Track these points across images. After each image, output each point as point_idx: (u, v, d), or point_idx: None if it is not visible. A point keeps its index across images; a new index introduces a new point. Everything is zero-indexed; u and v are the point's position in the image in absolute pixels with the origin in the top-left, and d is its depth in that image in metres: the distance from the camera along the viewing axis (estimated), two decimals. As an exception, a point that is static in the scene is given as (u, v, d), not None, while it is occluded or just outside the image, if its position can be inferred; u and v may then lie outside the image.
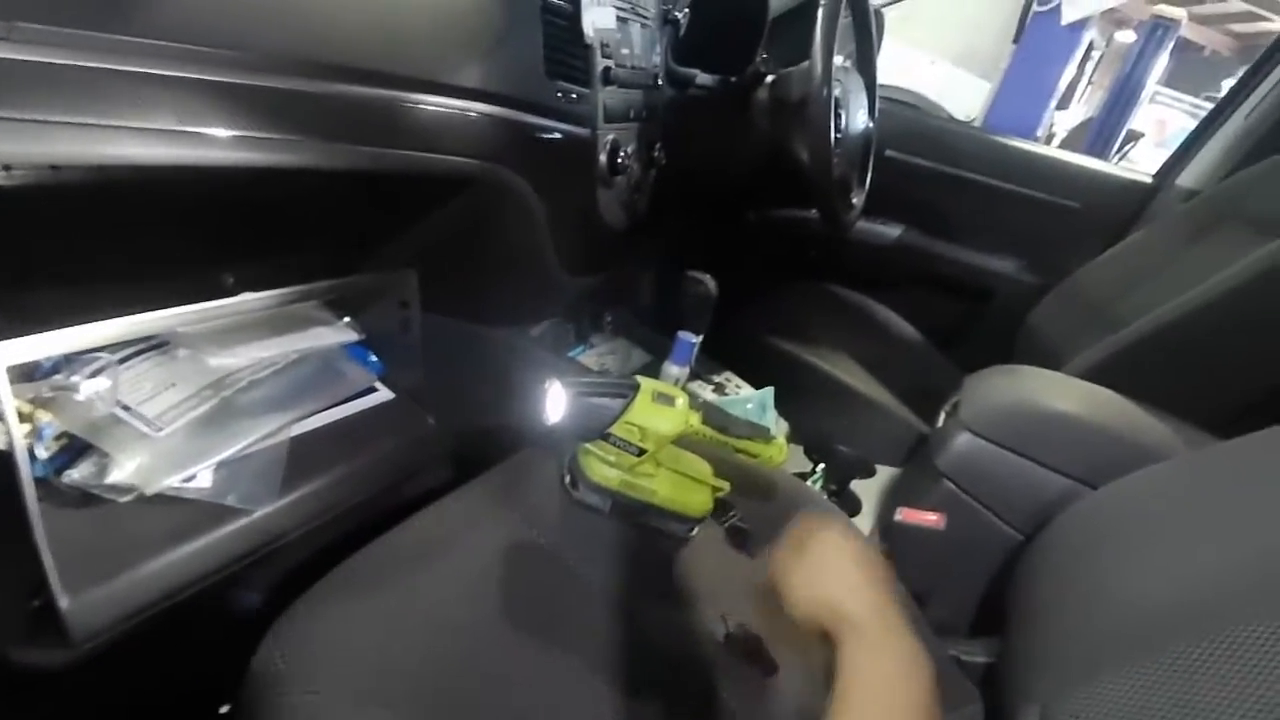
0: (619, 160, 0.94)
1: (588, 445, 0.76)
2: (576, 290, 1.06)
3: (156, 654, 0.65)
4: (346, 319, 0.93)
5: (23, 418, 0.64)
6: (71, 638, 0.57)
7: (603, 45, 0.91)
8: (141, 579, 0.62)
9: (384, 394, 0.93)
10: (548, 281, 0.99)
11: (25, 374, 0.68)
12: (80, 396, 0.69)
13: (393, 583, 0.65)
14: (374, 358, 0.94)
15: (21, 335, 0.56)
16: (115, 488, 0.67)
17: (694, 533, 0.79)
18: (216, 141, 0.51)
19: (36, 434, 0.65)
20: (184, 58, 0.48)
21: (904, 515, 0.96)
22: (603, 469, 0.76)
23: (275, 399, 0.82)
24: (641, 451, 0.73)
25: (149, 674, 0.65)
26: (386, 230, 0.93)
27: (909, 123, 1.85)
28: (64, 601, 0.57)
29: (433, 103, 0.70)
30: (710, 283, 0.99)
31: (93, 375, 0.70)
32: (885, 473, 1.31)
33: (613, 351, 1.35)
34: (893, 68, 3.01)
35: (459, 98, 0.72)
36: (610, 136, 0.94)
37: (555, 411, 0.70)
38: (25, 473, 0.56)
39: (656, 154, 1.04)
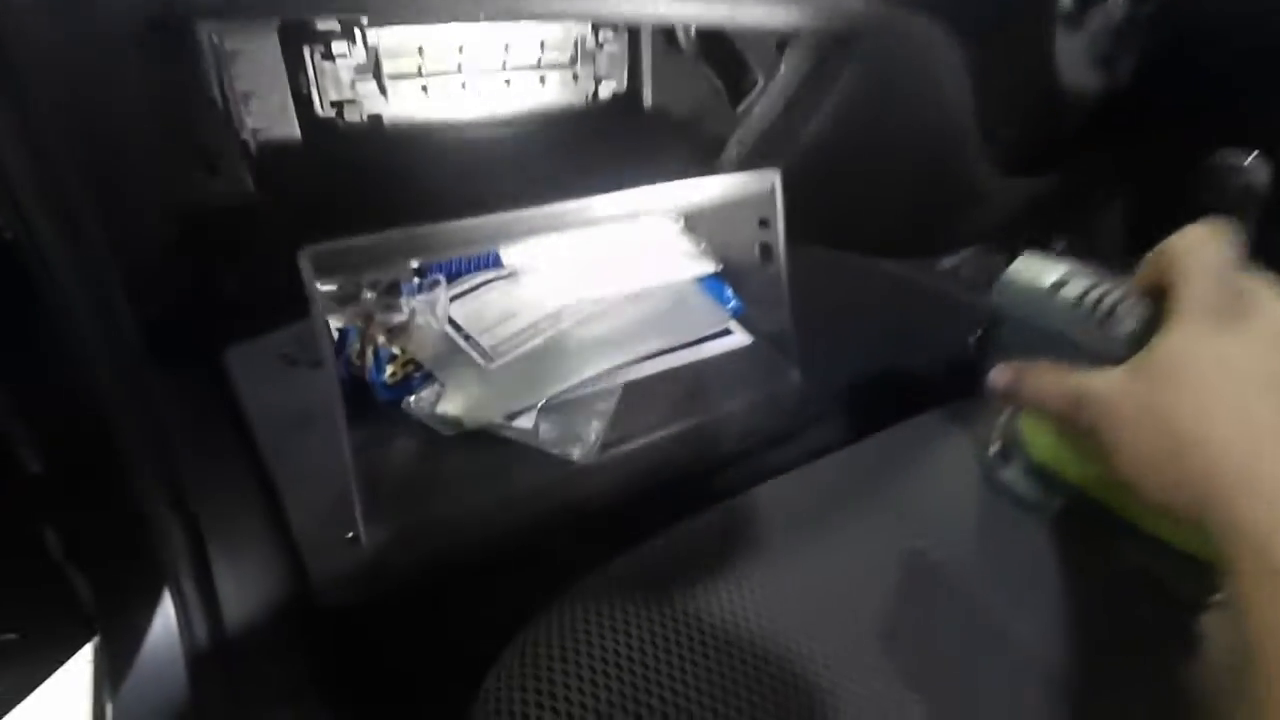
0: (1093, -16, 0.60)
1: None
2: (1013, 200, 0.74)
3: (428, 612, 0.58)
4: (701, 244, 0.77)
5: (363, 340, 0.62)
6: (365, 576, 0.51)
7: None
8: (442, 522, 0.55)
9: (740, 337, 0.76)
10: (968, 186, 0.70)
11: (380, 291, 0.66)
12: (422, 320, 0.66)
13: (705, 576, 0.47)
14: (730, 293, 0.78)
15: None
16: (444, 419, 0.62)
17: (1215, 599, 0.45)
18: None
19: (375, 356, 0.62)
20: None
21: None
22: (1060, 448, 0.46)
23: (614, 335, 0.71)
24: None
25: (417, 632, 0.59)
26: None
27: None
28: (364, 537, 0.52)
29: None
30: (1259, 166, 0.58)
31: (434, 299, 0.67)
32: None
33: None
34: None
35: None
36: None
37: (1009, 319, 0.43)
38: (335, 393, 0.51)
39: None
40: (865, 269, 0.84)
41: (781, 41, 0.65)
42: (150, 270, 0.57)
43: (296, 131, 0.70)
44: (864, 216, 0.80)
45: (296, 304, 0.48)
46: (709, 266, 0.76)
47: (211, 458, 0.58)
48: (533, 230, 0.62)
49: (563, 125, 0.84)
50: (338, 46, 0.70)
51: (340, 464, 0.51)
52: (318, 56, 0.71)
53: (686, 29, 0.78)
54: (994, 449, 0.52)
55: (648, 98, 0.87)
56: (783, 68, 0.67)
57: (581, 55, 0.82)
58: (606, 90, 0.85)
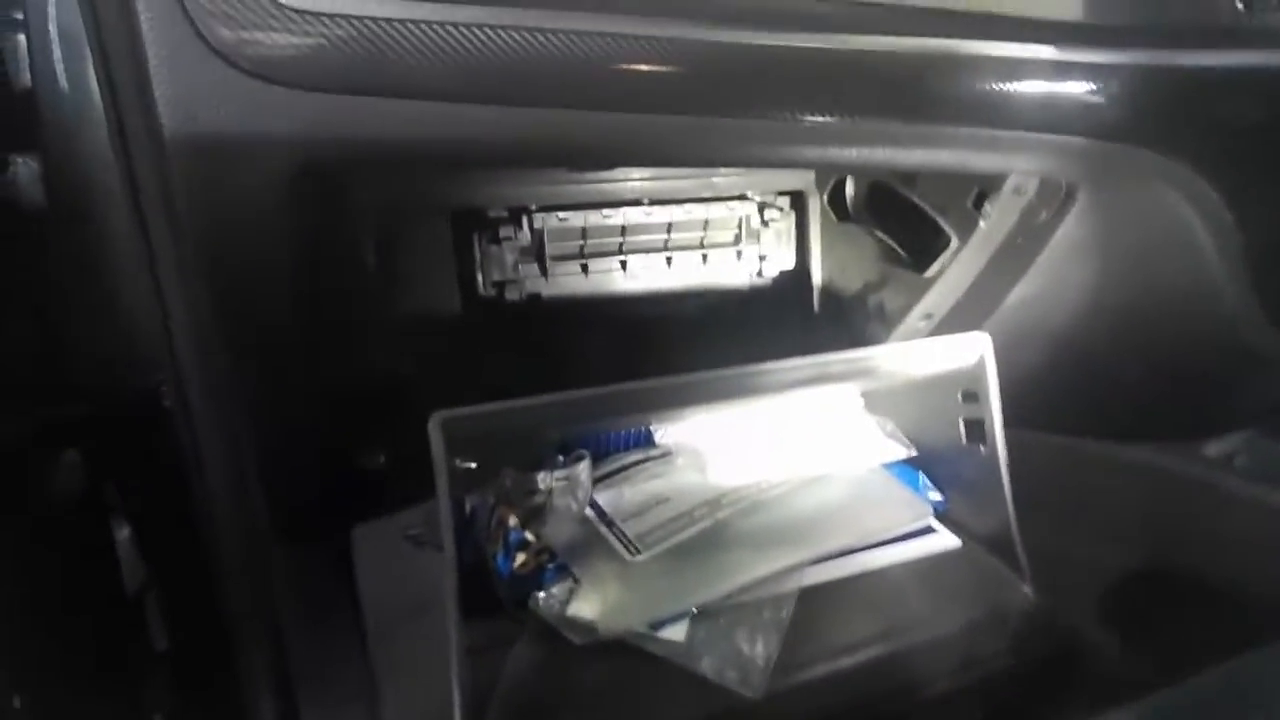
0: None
1: None
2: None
3: None
4: (888, 425, 0.66)
5: (493, 522, 0.55)
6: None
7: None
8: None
9: (944, 538, 0.61)
10: (1230, 350, 0.55)
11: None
12: (561, 503, 0.57)
13: None
14: (928, 483, 0.64)
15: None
16: (575, 623, 0.51)
17: None
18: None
19: (504, 541, 0.54)
20: None
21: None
22: None
23: (785, 529, 0.58)
24: None
25: None
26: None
27: None
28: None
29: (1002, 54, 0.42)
30: None
31: (576, 478, 0.59)
32: None
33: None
34: None
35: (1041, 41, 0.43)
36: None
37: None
38: (451, 583, 0.43)
39: None
40: (1103, 457, 0.67)
41: (981, 195, 0.58)
42: (287, 446, 0.55)
43: (457, 310, 0.70)
44: (1095, 391, 0.65)
45: (430, 481, 0.44)
46: (902, 450, 0.64)
47: (321, 642, 0.52)
48: (691, 401, 0.54)
49: (726, 303, 0.80)
50: (505, 231, 0.71)
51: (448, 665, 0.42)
52: (484, 241, 0.72)
53: (856, 195, 0.73)
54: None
55: (816, 273, 0.81)
56: (982, 224, 0.59)
57: (746, 234, 0.79)
58: (772, 267, 0.81)
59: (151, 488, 0.48)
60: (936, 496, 0.64)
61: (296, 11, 0.37)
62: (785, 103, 0.40)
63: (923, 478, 0.64)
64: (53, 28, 0.41)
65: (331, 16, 0.38)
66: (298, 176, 0.39)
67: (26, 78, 0.48)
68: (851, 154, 0.44)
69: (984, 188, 0.58)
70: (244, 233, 0.43)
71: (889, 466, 0.65)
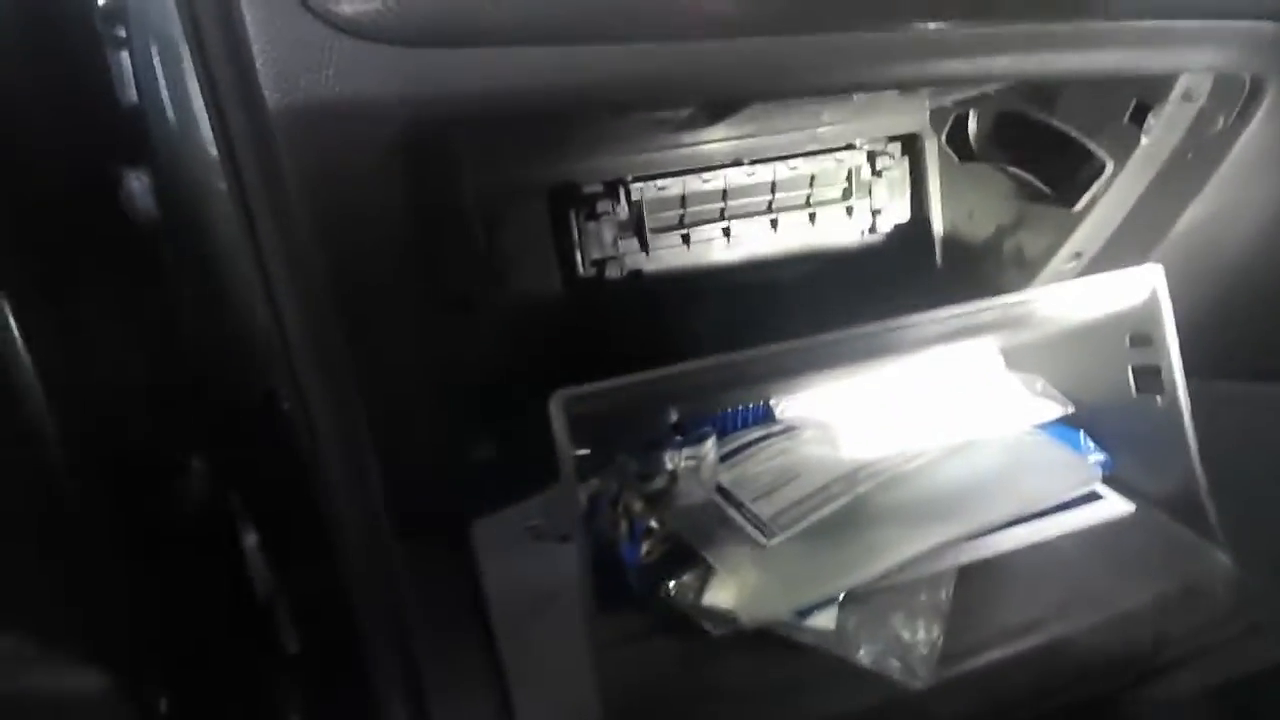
0: None
1: None
2: None
3: None
4: (1038, 382, 0.59)
5: (616, 509, 0.52)
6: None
7: None
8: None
9: (1116, 504, 0.54)
10: None
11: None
12: (685, 486, 0.54)
13: None
14: (1092, 445, 0.57)
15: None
16: (712, 612, 0.47)
17: None
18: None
19: (629, 529, 0.51)
20: None
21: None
22: None
23: (935, 502, 0.53)
24: None
25: None
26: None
27: None
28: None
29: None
30: None
31: (701, 458, 0.55)
32: None
33: None
34: None
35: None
36: None
37: None
38: (578, 576, 0.40)
39: None
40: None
41: (1141, 106, 0.50)
42: (402, 434, 0.54)
43: (558, 291, 0.68)
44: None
45: (548, 469, 0.42)
46: (1058, 408, 0.57)
47: (449, 643, 0.50)
48: (820, 364, 0.50)
49: (839, 264, 0.74)
50: (602, 205, 0.68)
51: (581, 662, 0.39)
52: (582, 218, 0.69)
53: (980, 129, 0.66)
54: None
55: (938, 223, 0.74)
56: (1144, 140, 0.51)
57: (857, 186, 0.72)
58: (886, 222, 0.74)
59: (274, 492, 0.48)
60: (1100, 457, 0.57)
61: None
62: (920, 10, 0.35)
63: (1084, 437, 0.57)
64: (153, 40, 0.40)
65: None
66: (407, 143, 0.37)
67: (133, 94, 0.48)
68: (1002, 63, 0.38)
69: (1145, 97, 0.50)
70: (357, 209, 0.41)
71: (1044, 427, 0.58)
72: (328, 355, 0.40)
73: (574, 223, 0.68)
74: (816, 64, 0.36)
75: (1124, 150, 0.53)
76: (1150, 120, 0.50)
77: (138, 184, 0.51)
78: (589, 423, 0.45)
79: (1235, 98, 0.48)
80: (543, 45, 0.34)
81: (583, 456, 0.55)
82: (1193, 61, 0.44)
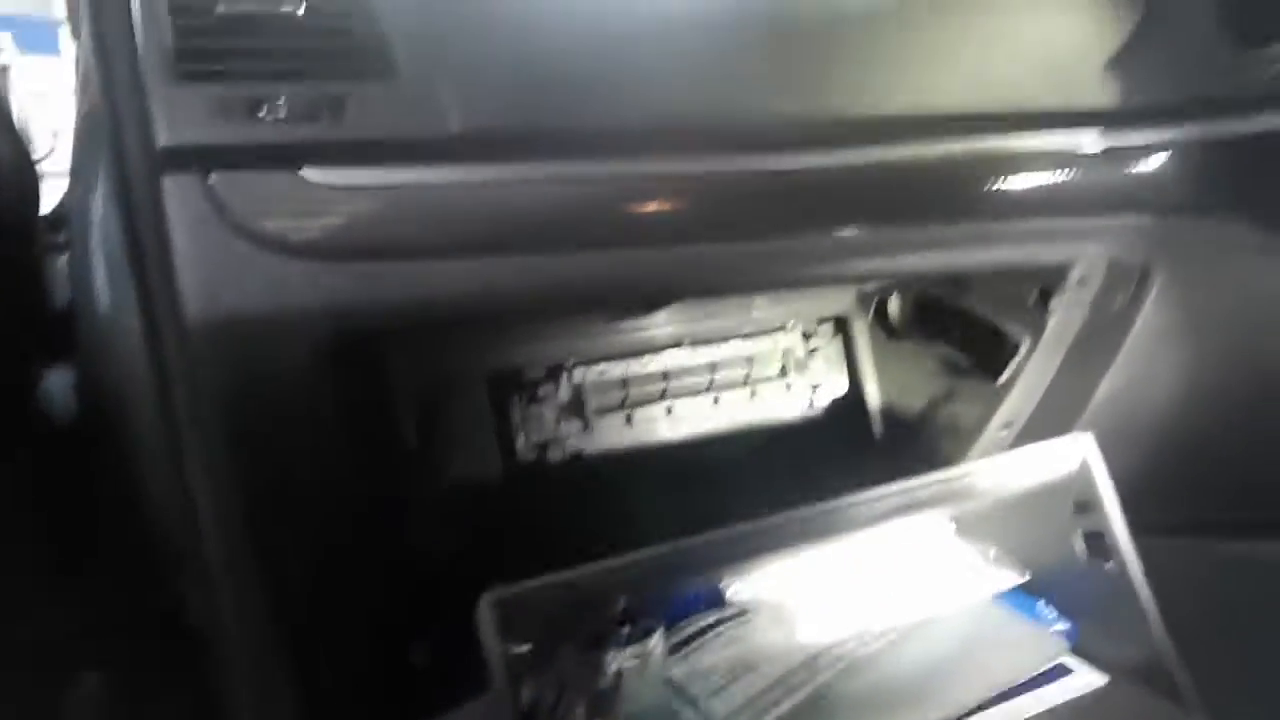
0: None
1: None
2: None
3: None
4: (992, 548, 0.58)
5: (557, 712, 0.47)
6: None
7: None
8: None
9: (1087, 676, 0.52)
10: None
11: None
12: (632, 684, 0.50)
13: None
14: (1054, 613, 0.55)
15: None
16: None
17: None
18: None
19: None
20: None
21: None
22: None
23: (898, 689, 0.50)
24: None
25: None
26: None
27: None
28: None
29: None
30: None
31: (647, 654, 0.52)
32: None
33: None
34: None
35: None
36: None
37: None
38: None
39: None
40: (1243, 558, 0.58)
41: (1044, 291, 0.54)
42: (327, 643, 0.49)
43: (497, 477, 0.66)
44: (1209, 481, 0.58)
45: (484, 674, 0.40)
46: (1014, 576, 0.56)
47: None
48: (767, 548, 0.49)
49: (780, 438, 0.75)
50: (543, 390, 0.69)
51: None
52: (523, 402, 0.69)
53: (903, 312, 0.70)
54: None
55: (874, 397, 0.77)
56: (1050, 321, 0.55)
57: (793, 364, 0.75)
58: (824, 397, 0.77)
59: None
60: (1063, 626, 0.55)
61: (322, 187, 0.37)
62: (834, 220, 0.38)
63: (1043, 605, 0.56)
64: (95, 242, 0.41)
65: (355, 190, 0.37)
66: (330, 350, 0.37)
67: (66, 295, 0.48)
68: (910, 260, 0.41)
69: (1046, 283, 0.54)
70: (279, 413, 0.40)
71: (1002, 597, 0.56)
72: (242, 569, 0.38)
73: (515, 408, 0.68)
74: (740, 267, 0.39)
75: (1035, 329, 0.56)
76: (1053, 302, 0.54)
77: (57, 383, 0.49)
78: (528, 618, 0.42)
79: (1129, 281, 0.52)
80: (464, 259, 0.36)
81: (523, 655, 0.51)
82: (1080, 253, 0.49)
